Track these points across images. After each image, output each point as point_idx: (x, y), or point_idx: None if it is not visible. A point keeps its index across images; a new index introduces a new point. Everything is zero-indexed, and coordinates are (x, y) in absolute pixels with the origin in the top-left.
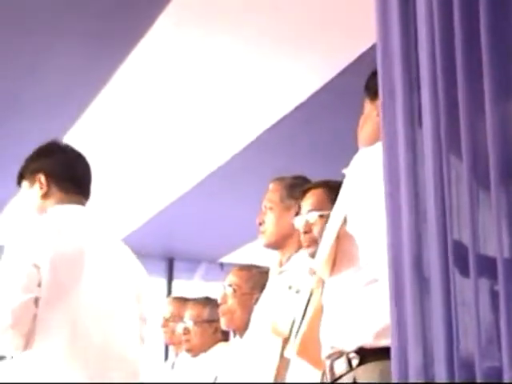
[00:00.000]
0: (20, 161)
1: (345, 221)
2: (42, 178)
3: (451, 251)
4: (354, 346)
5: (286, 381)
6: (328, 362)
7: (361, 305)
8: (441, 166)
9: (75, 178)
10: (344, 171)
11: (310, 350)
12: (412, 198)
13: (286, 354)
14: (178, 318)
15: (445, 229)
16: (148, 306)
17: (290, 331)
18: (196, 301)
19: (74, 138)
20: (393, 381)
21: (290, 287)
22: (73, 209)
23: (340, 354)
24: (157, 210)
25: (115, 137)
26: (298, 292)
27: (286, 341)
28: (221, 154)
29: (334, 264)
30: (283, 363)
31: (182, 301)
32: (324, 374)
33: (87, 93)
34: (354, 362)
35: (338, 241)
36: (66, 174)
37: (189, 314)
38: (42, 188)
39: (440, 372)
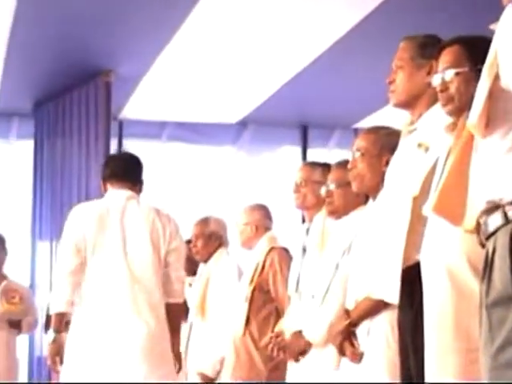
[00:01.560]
0: None
1: (497, 77)
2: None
3: None
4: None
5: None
6: (482, 219)
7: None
8: None
9: (114, 174)
10: (492, 27)
11: (447, 206)
12: None
13: (422, 211)
14: (309, 183)
15: None
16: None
17: (422, 189)
18: (339, 164)
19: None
20: None
21: (419, 145)
22: (112, 192)
23: (495, 207)
24: (289, 77)
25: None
26: (427, 150)
27: (416, 199)
28: (353, 13)
29: (487, 124)
30: (416, 220)
31: (313, 166)
32: (479, 232)
33: None
34: (511, 214)
35: (490, 99)
36: (109, 174)
37: (331, 177)
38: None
39: None
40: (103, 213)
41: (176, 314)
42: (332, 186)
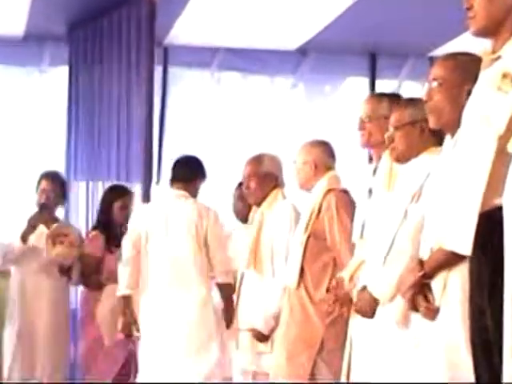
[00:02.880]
0: None
1: None
2: None
3: None
4: None
5: None
6: None
7: None
8: None
9: (173, 177)
10: None
11: None
12: None
13: (508, 149)
14: (375, 118)
15: None
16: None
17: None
18: (400, 102)
19: None
20: None
21: (504, 75)
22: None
23: None
24: None
25: None
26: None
27: (501, 138)
28: None
29: None
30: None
31: (380, 98)
32: None
33: None
34: None
35: None
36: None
37: (392, 118)
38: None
39: None
40: (155, 210)
41: (224, 292)
42: (391, 130)
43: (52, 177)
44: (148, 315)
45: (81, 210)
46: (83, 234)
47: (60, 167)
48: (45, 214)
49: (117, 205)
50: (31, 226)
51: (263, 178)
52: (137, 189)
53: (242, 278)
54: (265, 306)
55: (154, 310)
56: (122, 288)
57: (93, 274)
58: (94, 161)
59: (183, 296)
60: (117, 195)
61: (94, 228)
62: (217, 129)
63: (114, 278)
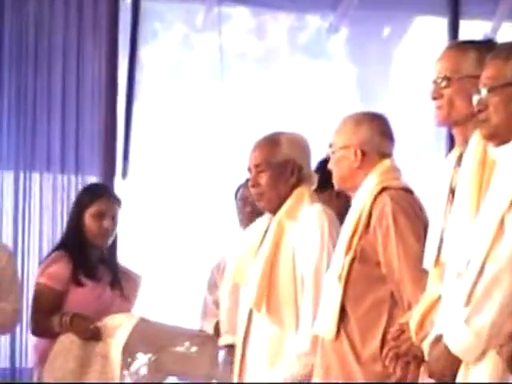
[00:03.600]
0: None
1: None
2: None
3: None
4: None
5: None
6: None
7: None
8: None
9: None
10: None
11: None
12: None
13: None
14: (456, 79)
15: None
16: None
17: None
18: (493, 56)
19: None
20: None
21: None
22: None
23: None
24: None
25: None
26: None
27: None
28: None
29: None
30: None
31: (464, 50)
32: None
33: None
34: None
35: None
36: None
37: (485, 74)
38: None
39: None
40: None
41: None
42: (484, 92)
43: None
44: None
45: (5, 212)
46: (10, 251)
47: None
48: None
49: (90, 212)
50: None
51: (279, 170)
52: None
53: (248, 324)
54: (282, 367)
55: None
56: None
57: (45, 315)
58: (25, 143)
59: None
60: (90, 199)
61: (58, 247)
62: (213, 99)
63: (76, 324)
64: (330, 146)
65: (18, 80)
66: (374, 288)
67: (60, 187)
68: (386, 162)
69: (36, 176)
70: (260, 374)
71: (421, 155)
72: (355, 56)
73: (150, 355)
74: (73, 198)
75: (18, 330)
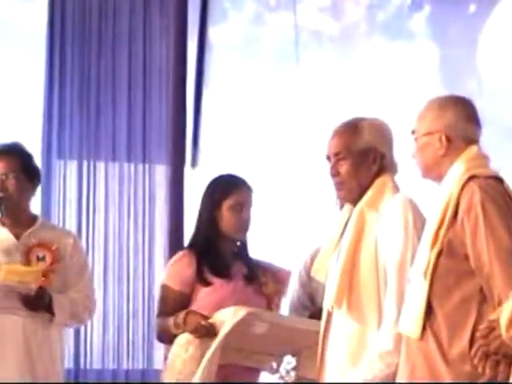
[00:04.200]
0: None
1: None
2: None
3: None
4: None
5: None
6: None
7: None
8: None
9: None
10: None
11: None
12: None
13: None
14: None
15: None
16: None
17: None
18: None
19: None
20: None
21: None
22: None
23: None
24: None
25: None
26: None
27: None
28: None
29: None
30: None
31: None
32: None
33: None
34: None
35: None
36: None
37: None
38: None
39: None
40: None
41: None
42: None
43: (6, 152)
44: None
45: (68, 203)
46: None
47: (35, 141)
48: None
49: (227, 204)
50: None
51: (360, 158)
52: (160, 173)
53: (327, 321)
54: (364, 367)
55: None
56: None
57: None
58: (89, 132)
59: None
60: (227, 190)
61: (188, 245)
62: (288, 82)
63: (189, 321)
64: (413, 132)
65: (81, 66)
66: (462, 283)
67: (126, 176)
68: (473, 149)
69: (101, 165)
70: (340, 374)
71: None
72: (438, 35)
73: (295, 357)
74: (140, 187)
75: (82, 329)
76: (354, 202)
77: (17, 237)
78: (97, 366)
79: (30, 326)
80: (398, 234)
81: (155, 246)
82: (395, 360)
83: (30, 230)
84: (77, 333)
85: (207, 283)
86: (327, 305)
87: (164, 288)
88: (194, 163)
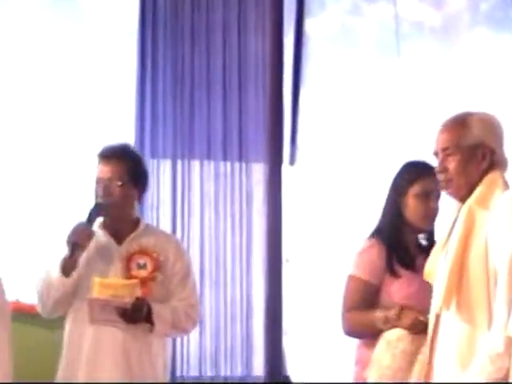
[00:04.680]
0: None
1: None
2: None
3: None
4: None
5: None
6: None
7: None
8: None
9: None
10: None
11: None
12: None
13: None
14: None
15: None
16: None
17: None
18: None
19: None
20: None
21: None
22: None
23: None
24: None
25: None
26: None
27: None
28: None
29: None
30: None
31: None
32: None
33: None
34: None
35: None
36: None
37: None
38: None
39: None
40: None
41: None
42: None
43: (115, 155)
44: None
45: (162, 203)
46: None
47: (128, 140)
48: (105, 217)
49: (413, 192)
50: (81, 240)
51: (470, 154)
52: (257, 171)
53: (435, 324)
54: (473, 372)
55: None
56: None
57: (360, 312)
58: (183, 130)
59: None
60: (413, 178)
61: (372, 234)
62: (389, 76)
63: (406, 316)
64: None
65: (174, 61)
66: None
67: (223, 175)
68: None
69: (196, 164)
70: (450, 377)
71: None
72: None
73: None
74: (237, 186)
75: None
76: (463, 200)
77: (119, 242)
78: (194, 373)
79: (130, 337)
80: (510, 232)
81: (253, 248)
82: (506, 364)
83: (132, 236)
84: (173, 340)
85: (397, 275)
86: (435, 307)
87: (353, 279)
88: (292, 161)
